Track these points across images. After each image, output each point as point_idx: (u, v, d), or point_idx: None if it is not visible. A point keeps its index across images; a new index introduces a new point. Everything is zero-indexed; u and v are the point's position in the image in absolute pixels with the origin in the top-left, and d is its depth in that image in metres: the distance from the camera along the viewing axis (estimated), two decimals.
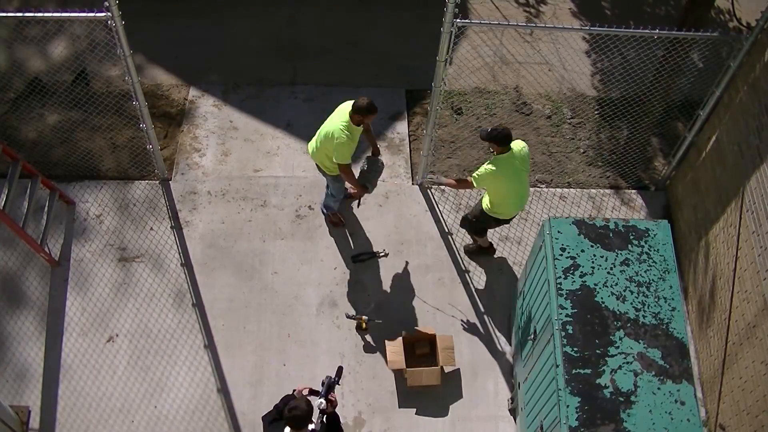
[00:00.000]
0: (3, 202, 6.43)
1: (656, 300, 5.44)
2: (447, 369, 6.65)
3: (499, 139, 6.12)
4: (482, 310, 7.05)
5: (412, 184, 7.78)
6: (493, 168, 6.20)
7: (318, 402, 5.18)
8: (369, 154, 7.08)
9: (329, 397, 5.27)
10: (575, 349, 5.25)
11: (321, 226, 7.44)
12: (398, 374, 6.66)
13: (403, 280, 7.18)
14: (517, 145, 6.32)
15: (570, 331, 5.32)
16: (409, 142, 8.07)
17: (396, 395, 6.61)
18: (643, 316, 5.38)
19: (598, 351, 5.26)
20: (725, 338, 6.11)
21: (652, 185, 7.87)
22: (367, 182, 6.83)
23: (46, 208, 7.00)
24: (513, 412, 6.49)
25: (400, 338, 6.65)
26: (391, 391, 6.63)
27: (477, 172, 6.32)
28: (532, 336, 5.88)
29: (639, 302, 5.43)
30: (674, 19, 8.90)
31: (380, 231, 7.46)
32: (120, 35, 5.97)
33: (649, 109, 7.90)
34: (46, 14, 5.98)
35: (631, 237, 5.68)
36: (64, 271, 7.07)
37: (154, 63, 8.50)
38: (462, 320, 6.92)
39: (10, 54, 8.33)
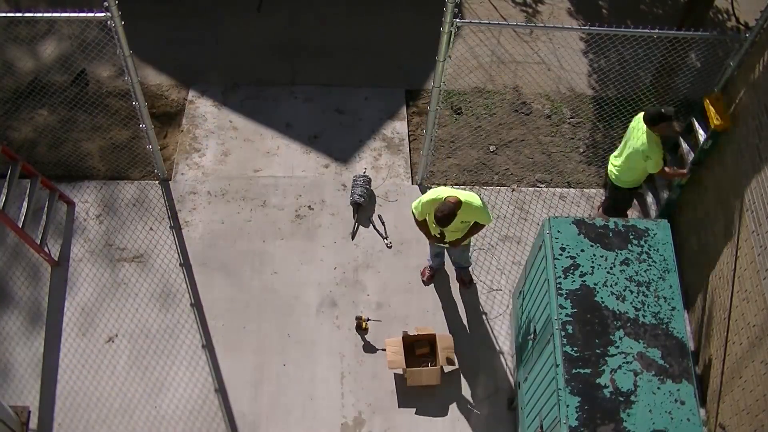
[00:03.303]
0: (2, 203, 6.43)
1: (656, 300, 5.44)
2: (447, 369, 6.65)
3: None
4: (482, 310, 7.06)
5: (412, 184, 7.78)
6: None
7: None
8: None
9: None
10: (575, 348, 5.26)
11: (321, 226, 7.44)
12: (398, 374, 6.66)
13: (403, 280, 7.18)
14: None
15: (570, 331, 5.32)
16: (409, 142, 8.07)
17: (396, 395, 6.61)
18: (643, 316, 5.39)
19: (597, 351, 5.26)
20: (725, 338, 6.12)
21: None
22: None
23: (45, 209, 7.00)
24: (513, 412, 6.49)
25: (400, 338, 6.65)
26: (391, 391, 6.63)
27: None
28: (532, 336, 5.88)
29: (639, 302, 5.44)
30: (672, 18, 8.91)
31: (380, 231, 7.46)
32: (120, 35, 5.98)
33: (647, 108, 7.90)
34: (45, 14, 5.99)
35: (631, 236, 5.69)
36: (64, 271, 7.06)
37: (153, 63, 8.49)
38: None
39: (4, 55, 8.32)
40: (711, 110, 6.47)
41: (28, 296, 6.93)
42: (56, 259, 7.09)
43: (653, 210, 7.55)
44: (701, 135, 6.71)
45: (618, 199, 7.22)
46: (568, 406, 5.08)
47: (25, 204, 6.78)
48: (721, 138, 6.50)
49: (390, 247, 7.33)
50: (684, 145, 6.99)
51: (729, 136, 6.40)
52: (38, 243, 6.76)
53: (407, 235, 7.43)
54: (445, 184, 7.76)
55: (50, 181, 7.17)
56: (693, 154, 6.86)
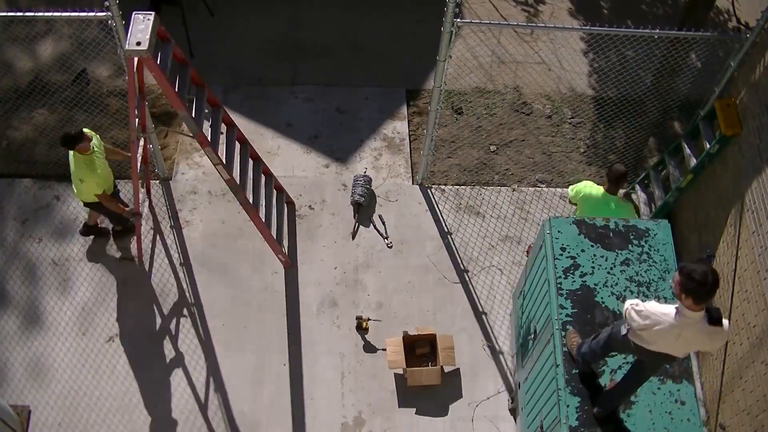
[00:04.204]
0: None
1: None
2: (447, 369, 6.65)
3: None
4: (482, 310, 7.05)
5: (413, 183, 7.78)
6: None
7: None
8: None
9: None
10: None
11: (321, 226, 7.44)
12: (398, 374, 6.66)
13: (403, 280, 7.18)
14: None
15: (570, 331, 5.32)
16: (409, 141, 8.07)
17: (396, 395, 6.61)
18: None
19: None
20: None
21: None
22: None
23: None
24: (513, 412, 6.49)
25: (400, 338, 6.65)
26: (391, 391, 6.63)
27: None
28: (532, 336, 5.88)
29: None
30: (672, 18, 8.91)
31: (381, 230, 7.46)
32: (120, 35, 5.98)
33: (648, 109, 7.91)
34: (46, 14, 5.99)
35: (632, 237, 5.68)
36: (65, 271, 7.06)
37: None
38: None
39: (4, 55, 8.31)
40: (722, 115, 6.37)
41: (28, 296, 6.93)
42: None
43: (648, 211, 7.55)
44: (707, 139, 6.65)
45: None
46: (568, 406, 5.07)
47: None
48: (730, 143, 6.44)
49: (390, 247, 7.33)
50: (687, 150, 6.94)
51: (731, 137, 6.38)
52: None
53: (408, 234, 7.43)
54: (445, 184, 7.76)
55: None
56: (694, 159, 6.81)
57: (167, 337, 6.78)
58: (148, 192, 7.43)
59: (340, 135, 8.09)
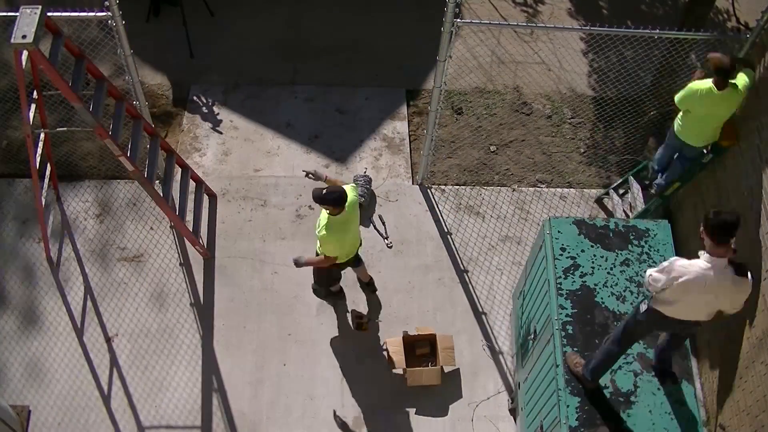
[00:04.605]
0: None
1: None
2: (447, 369, 6.65)
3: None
4: (482, 310, 7.05)
5: (413, 184, 7.78)
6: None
7: None
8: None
9: None
10: (575, 349, 5.26)
11: None
12: (398, 374, 6.66)
13: (403, 280, 7.18)
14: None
15: (570, 331, 5.32)
16: (409, 141, 8.07)
17: (396, 395, 6.61)
18: None
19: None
20: (725, 338, 6.11)
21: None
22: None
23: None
24: (513, 412, 6.49)
25: (400, 338, 6.65)
26: (391, 391, 6.63)
27: None
28: (532, 336, 5.88)
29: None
30: (672, 18, 8.91)
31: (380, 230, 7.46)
32: (120, 35, 5.99)
33: (648, 109, 7.91)
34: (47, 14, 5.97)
35: (632, 237, 5.69)
36: (64, 271, 7.06)
37: (154, 62, 8.49)
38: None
39: (3, 55, 8.30)
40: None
41: (27, 296, 6.93)
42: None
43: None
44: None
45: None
46: (568, 406, 5.08)
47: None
48: (726, 153, 6.42)
49: (390, 247, 7.33)
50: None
51: (726, 147, 6.38)
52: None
53: (408, 235, 7.43)
54: (445, 185, 7.76)
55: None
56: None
57: (167, 337, 6.78)
58: (56, 188, 7.39)
59: (340, 135, 8.09)
